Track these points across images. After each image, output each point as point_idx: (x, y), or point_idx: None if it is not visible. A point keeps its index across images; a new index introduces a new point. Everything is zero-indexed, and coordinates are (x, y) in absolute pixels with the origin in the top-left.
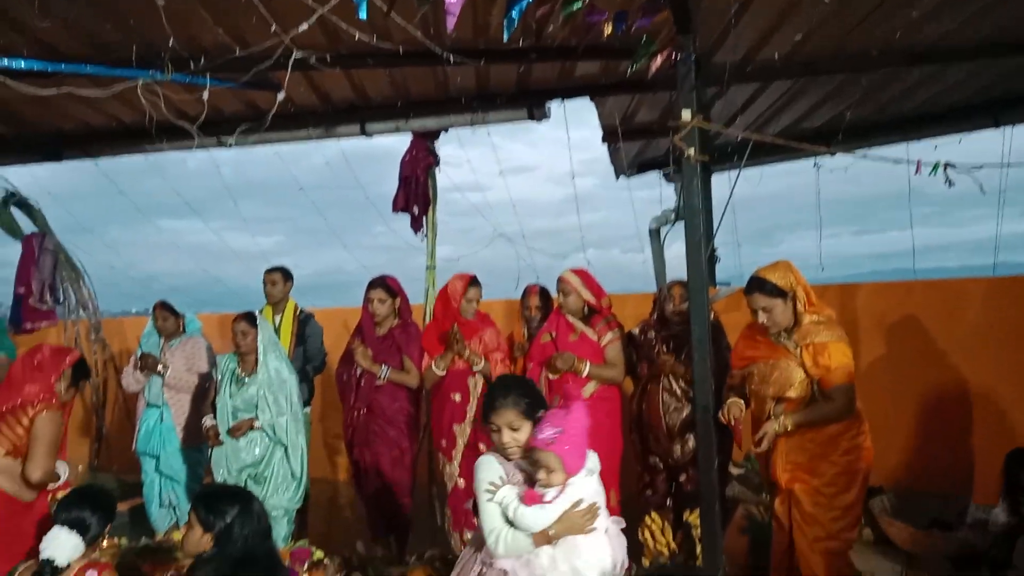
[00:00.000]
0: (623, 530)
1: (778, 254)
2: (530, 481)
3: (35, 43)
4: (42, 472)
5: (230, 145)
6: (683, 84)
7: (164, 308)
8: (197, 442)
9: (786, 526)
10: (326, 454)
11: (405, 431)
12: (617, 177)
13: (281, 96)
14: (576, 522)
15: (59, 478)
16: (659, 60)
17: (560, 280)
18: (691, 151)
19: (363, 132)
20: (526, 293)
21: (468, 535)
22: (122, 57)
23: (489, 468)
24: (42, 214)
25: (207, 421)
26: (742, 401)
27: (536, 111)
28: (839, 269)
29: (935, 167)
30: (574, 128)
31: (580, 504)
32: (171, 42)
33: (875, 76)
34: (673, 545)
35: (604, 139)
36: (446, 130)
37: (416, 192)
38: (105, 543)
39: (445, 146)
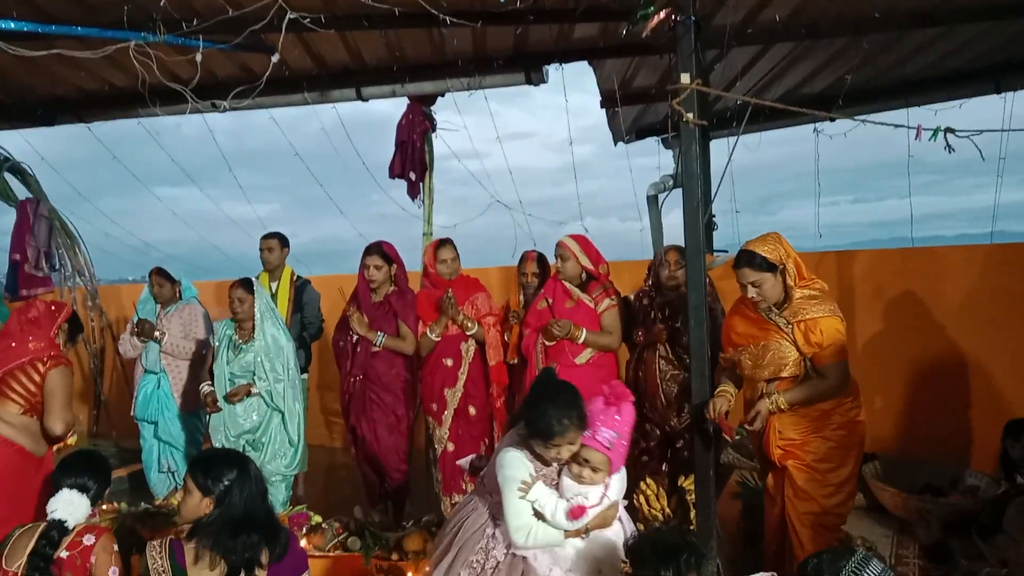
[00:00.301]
0: None
1: (776, 222)
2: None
3: (24, 4)
4: (63, 424)
5: (224, 109)
6: (682, 46)
7: (160, 274)
8: (195, 408)
9: (779, 501)
10: (323, 420)
11: (402, 398)
12: (616, 143)
13: (275, 59)
14: (608, 515)
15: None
16: (656, 20)
17: (559, 245)
18: (690, 115)
19: (359, 96)
20: (523, 259)
21: (458, 498)
22: (113, 19)
23: (519, 465)
24: (36, 180)
25: (205, 387)
26: (729, 392)
27: (533, 75)
28: (837, 238)
29: (935, 132)
30: (572, 94)
31: (609, 508)
32: (163, 2)
33: (876, 39)
34: (668, 510)
35: (602, 104)
36: (443, 95)
37: (412, 157)
38: (104, 507)
39: (442, 111)
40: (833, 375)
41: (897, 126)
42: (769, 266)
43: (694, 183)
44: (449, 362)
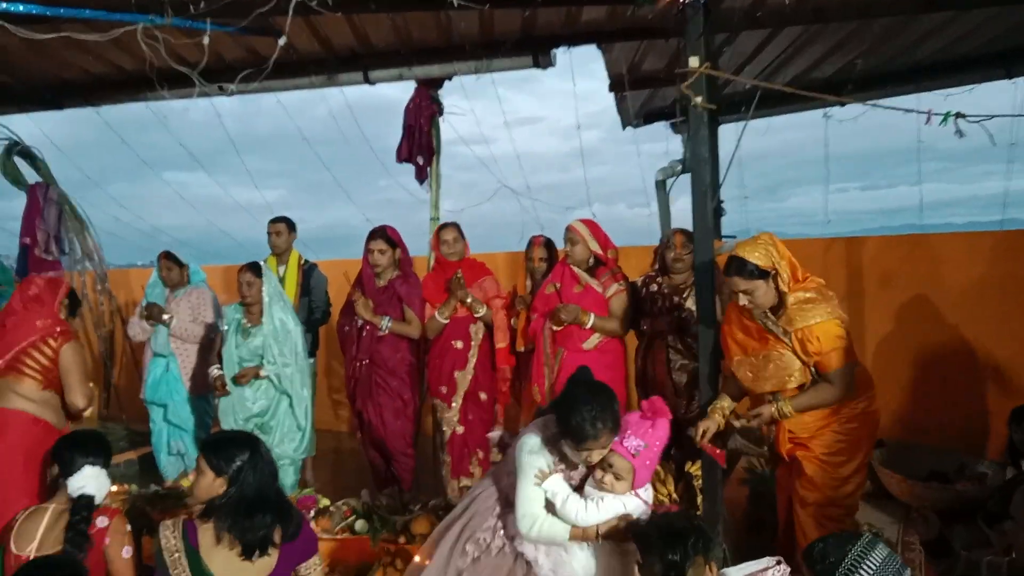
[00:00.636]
0: None
1: (784, 209)
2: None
3: None
4: (85, 397)
5: (232, 93)
6: (691, 30)
7: (168, 258)
8: (204, 391)
9: (787, 490)
10: (330, 404)
11: (407, 382)
12: (624, 127)
13: (282, 42)
14: (616, 527)
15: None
16: (665, 1)
17: (568, 229)
18: (698, 99)
19: (366, 80)
20: (531, 244)
21: (464, 481)
22: (121, 1)
23: (539, 454)
24: (46, 164)
25: (214, 371)
26: (723, 408)
27: (541, 58)
28: (846, 225)
29: (946, 116)
30: (580, 79)
31: (627, 517)
32: None
33: (886, 24)
34: (675, 495)
35: (611, 88)
36: (450, 78)
37: (420, 142)
38: (115, 489)
39: (449, 95)
40: (839, 381)
41: (907, 111)
42: (761, 273)
43: (703, 168)
44: (459, 344)
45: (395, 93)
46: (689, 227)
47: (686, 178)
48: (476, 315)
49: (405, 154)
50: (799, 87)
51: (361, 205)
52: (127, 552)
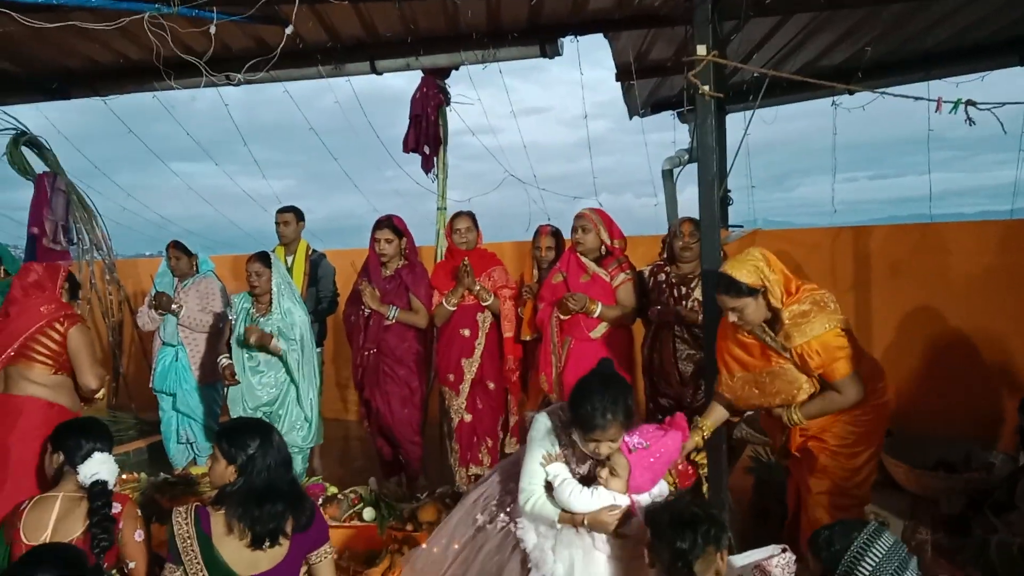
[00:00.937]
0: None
1: (792, 198)
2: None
3: None
4: (96, 379)
5: (239, 82)
6: (698, 17)
7: (177, 247)
8: (212, 380)
9: (798, 479)
10: (338, 393)
11: (414, 370)
12: (631, 117)
13: (289, 31)
14: (605, 522)
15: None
16: None
17: (579, 216)
18: (706, 88)
19: (373, 69)
20: (538, 233)
21: (474, 469)
22: None
23: (549, 437)
24: (53, 154)
25: (223, 360)
26: (708, 425)
27: (548, 48)
28: (854, 215)
29: (956, 104)
30: (587, 68)
31: (614, 509)
32: None
33: (896, 10)
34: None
35: (618, 77)
36: (457, 68)
37: (427, 131)
38: (125, 477)
39: (456, 85)
40: (847, 389)
41: (917, 99)
42: (749, 291)
43: (710, 157)
44: (466, 332)
45: (402, 83)
46: (696, 216)
47: (693, 167)
48: (483, 303)
49: (412, 144)
50: (808, 75)
51: (368, 195)
52: (139, 535)
